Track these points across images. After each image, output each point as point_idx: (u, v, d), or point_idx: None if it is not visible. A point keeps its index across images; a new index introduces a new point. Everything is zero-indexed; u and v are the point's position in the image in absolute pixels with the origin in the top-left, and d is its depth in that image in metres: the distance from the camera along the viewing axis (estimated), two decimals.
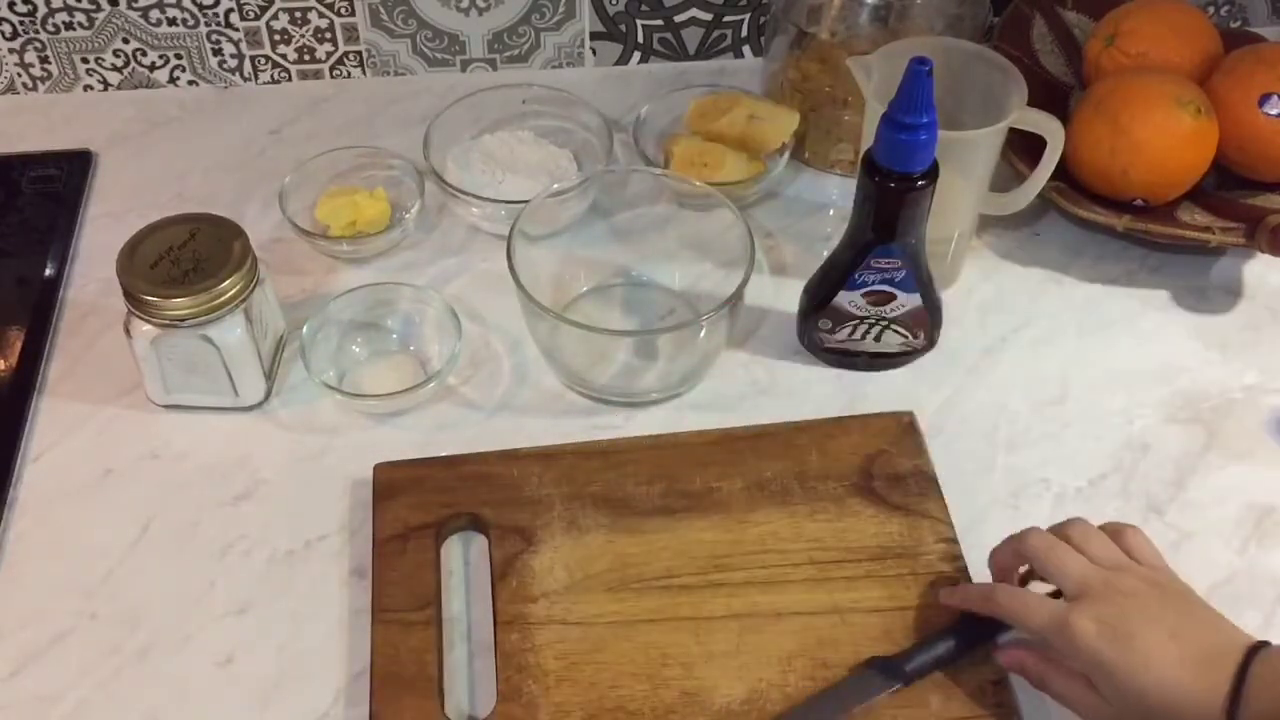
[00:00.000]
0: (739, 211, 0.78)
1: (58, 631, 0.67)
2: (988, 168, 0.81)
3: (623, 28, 1.02)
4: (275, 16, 0.97)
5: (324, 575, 0.70)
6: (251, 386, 0.77)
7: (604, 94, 0.99)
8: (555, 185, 0.84)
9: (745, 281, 0.75)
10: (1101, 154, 0.85)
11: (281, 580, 0.70)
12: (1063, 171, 0.86)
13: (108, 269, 0.73)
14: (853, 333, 0.80)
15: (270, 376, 0.79)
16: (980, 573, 0.68)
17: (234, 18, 0.97)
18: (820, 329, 0.81)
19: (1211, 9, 1.08)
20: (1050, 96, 0.91)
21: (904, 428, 0.75)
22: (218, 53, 0.99)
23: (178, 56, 0.99)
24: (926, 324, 0.80)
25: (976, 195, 0.83)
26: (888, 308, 0.78)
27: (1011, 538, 0.64)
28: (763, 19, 1.03)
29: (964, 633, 0.65)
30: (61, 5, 0.94)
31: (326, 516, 0.72)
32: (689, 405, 0.79)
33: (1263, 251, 0.82)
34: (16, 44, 0.96)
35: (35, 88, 1.00)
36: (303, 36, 0.99)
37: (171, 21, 0.96)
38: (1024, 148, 0.85)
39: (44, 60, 0.98)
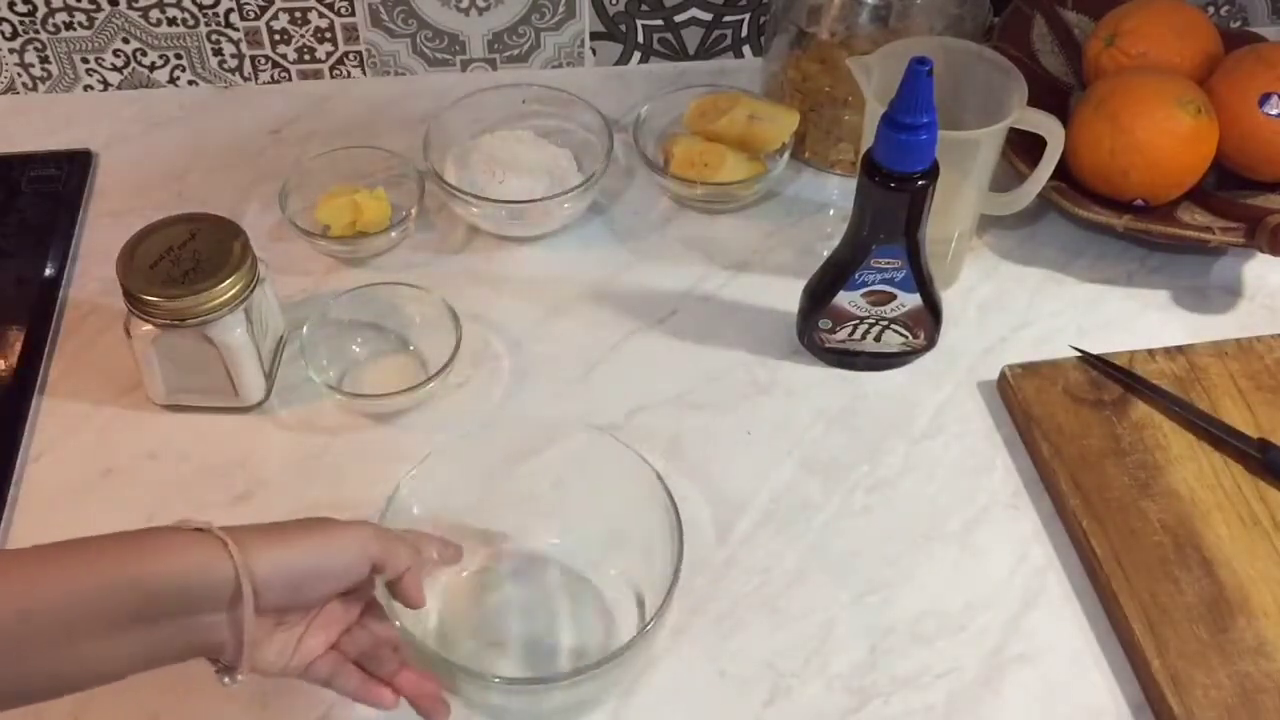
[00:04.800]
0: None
1: None
2: (988, 168, 0.81)
3: (623, 28, 1.02)
4: (275, 16, 0.97)
5: None
6: (251, 386, 0.77)
7: (604, 94, 0.99)
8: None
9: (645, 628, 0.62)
10: (1101, 154, 0.85)
11: None
12: (1063, 171, 0.86)
13: (108, 269, 0.73)
14: (853, 333, 0.80)
15: (270, 376, 0.79)
16: None
17: (234, 18, 0.97)
18: (820, 329, 0.81)
19: (1211, 9, 1.08)
20: (1050, 96, 0.91)
21: None
22: (218, 53, 0.99)
23: (178, 56, 0.99)
24: (926, 324, 0.80)
25: (976, 195, 0.83)
26: (888, 308, 0.78)
27: None
28: (763, 19, 1.03)
29: None
30: (61, 5, 0.94)
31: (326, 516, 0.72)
32: (689, 405, 0.79)
33: (1263, 251, 0.82)
34: (16, 44, 0.96)
35: (35, 88, 1.00)
36: (303, 36, 0.99)
37: (171, 21, 0.96)
38: (1024, 148, 0.85)
39: (44, 60, 0.98)
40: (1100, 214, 0.86)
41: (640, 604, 0.66)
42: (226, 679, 0.55)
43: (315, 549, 0.56)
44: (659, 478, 0.65)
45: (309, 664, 0.58)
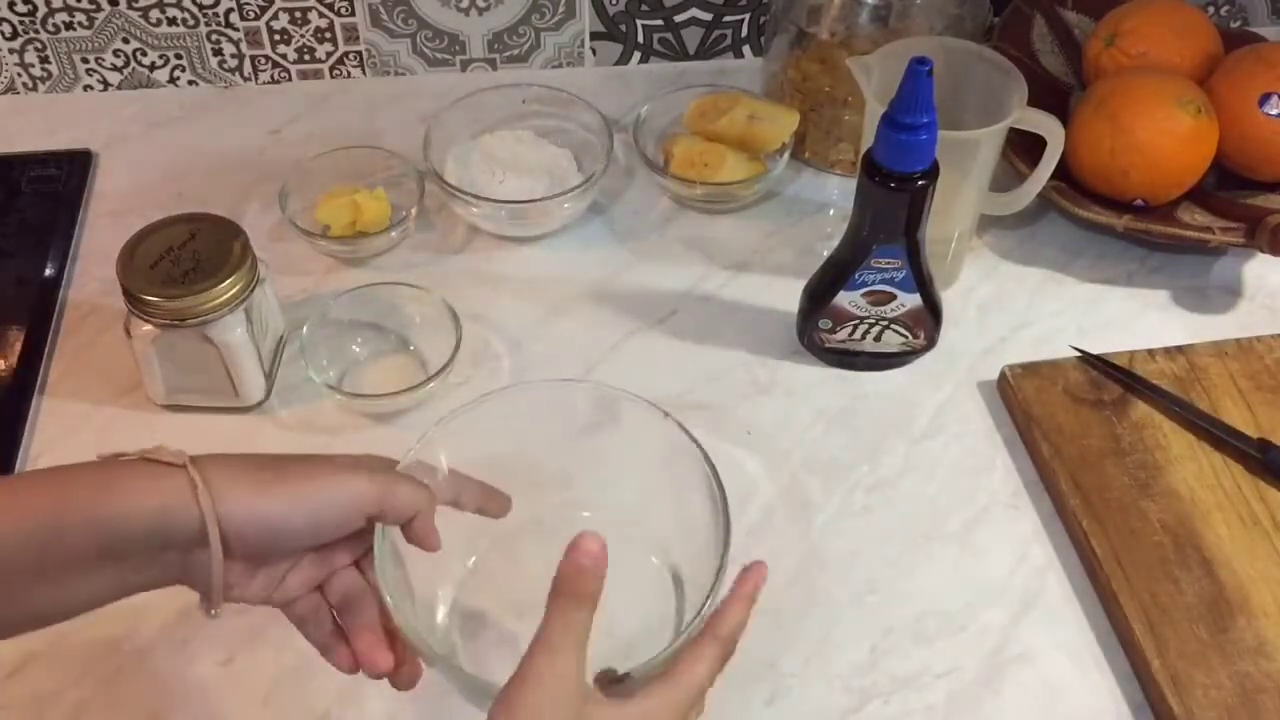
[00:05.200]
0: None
1: (58, 631, 0.66)
2: (988, 168, 0.81)
3: (623, 28, 1.02)
4: (275, 16, 0.97)
5: None
6: (251, 386, 0.77)
7: (604, 94, 0.99)
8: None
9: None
10: (1101, 154, 0.85)
11: None
12: (1063, 171, 0.86)
13: (108, 269, 0.73)
14: (853, 333, 0.80)
15: (270, 376, 0.79)
16: None
17: (234, 18, 0.97)
18: (820, 329, 0.81)
19: (1211, 9, 1.08)
20: (1050, 96, 0.91)
21: None
22: (218, 53, 0.99)
23: (178, 56, 0.99)
24: (926, 324, 0.80)
25: (976, 195, 0.83)
26: (888, 308, 0.78)
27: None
28: (763, 19, 1.03)
29: None
30: (61, 5, 0.94)
31: None
32: (689, 405, 0.79)
33: (1263, 251, 0.82)
34: (16, 44, 0.96)
35: (35, 88, 1.00)
36: (303, 36, 0.99)
37: (171, 21, 0.96)
38: (1024, 148, 0.85)
39: (44, 60, 0.98)
40: (1100, 214, 0.86)
41: (678, 582, 0.64)
42: (207, 609, 0.55)
43: (300, 500, 0.53)
44: (704, 455, 0.60)
45: (289, 601, 0.57)
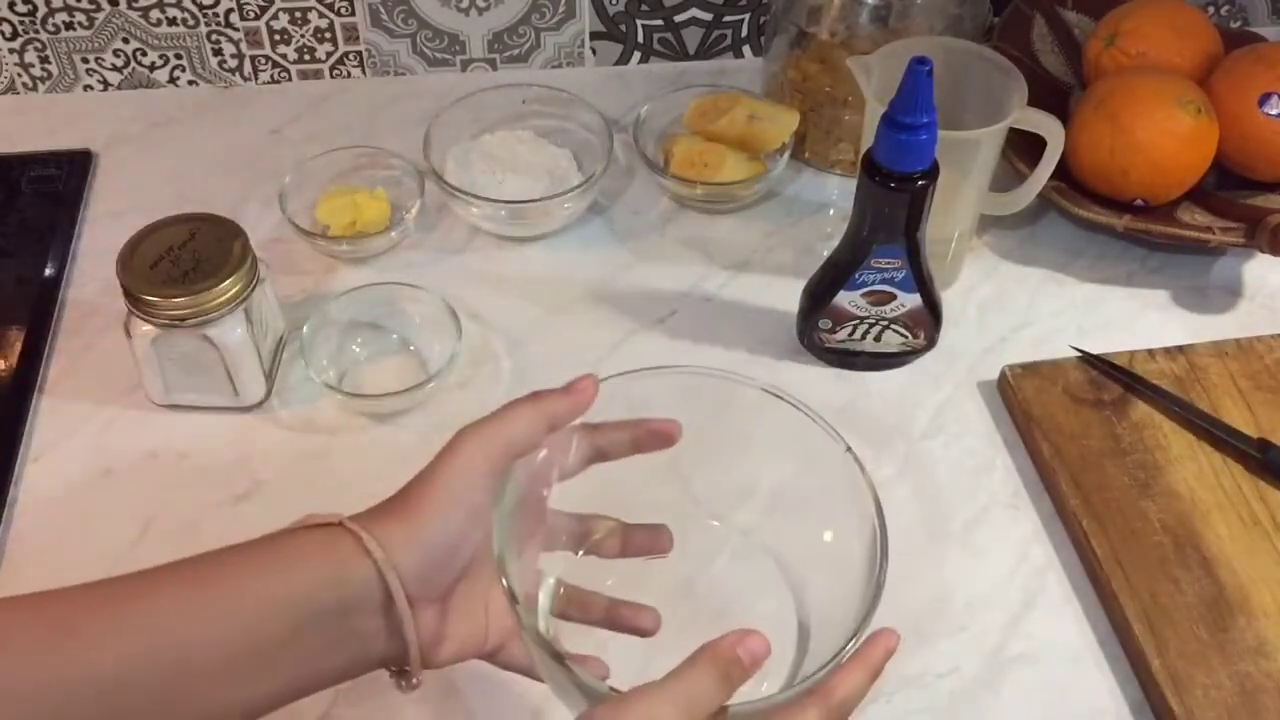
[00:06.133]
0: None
1: None
2: (988, 168, 0.81)
3: (623, 28, 1.02)
4: (275, 16, 0.97)
5: None
6: (251, 386, 0.77)
7: (604, 94, 0.99)
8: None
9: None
10: (1101, 154, 0.85)
11: None
12: (1063, 171, 0.86)
13: (108, 269, 0.73)
14: (853, 333, 0.80)
15: (270, 376, 0.79)
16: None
17: (234, 18, 0.97)
18: (820, 329, 0.81)
19: (1211, 9, 1.08)
20: (1050, 96, 0.91)
21: None
22: (218, 53, 0.99)
23: (178, 56, 0.99)
24: (926, 324, 0.80)
25: (976, 195, 0.83)
26: (888, 308, 0.78)
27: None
28: (763, 19, 1.03)
29: None
30: (61, 5, 0.94)
31: None
32: None
33: (1263, 251, 0.82)
34: (16, 44, 0.96)
35: (35, 88, 1.00)
36: (303, 36, 0.99)
37: (171, 21, 0.96)
38: (1024, 148, 0.85)
39: (44, 60, 0.98)
40: (1100, 214, 0.86)
41: (803, 630, 0.56)
42: (403, 684, 0.51)
43: (439, 502, 0.49)
44: (877, 504, 0.53)
45: (502, 643, 0.52)
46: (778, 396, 0.57)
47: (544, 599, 0.57)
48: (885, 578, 0.50)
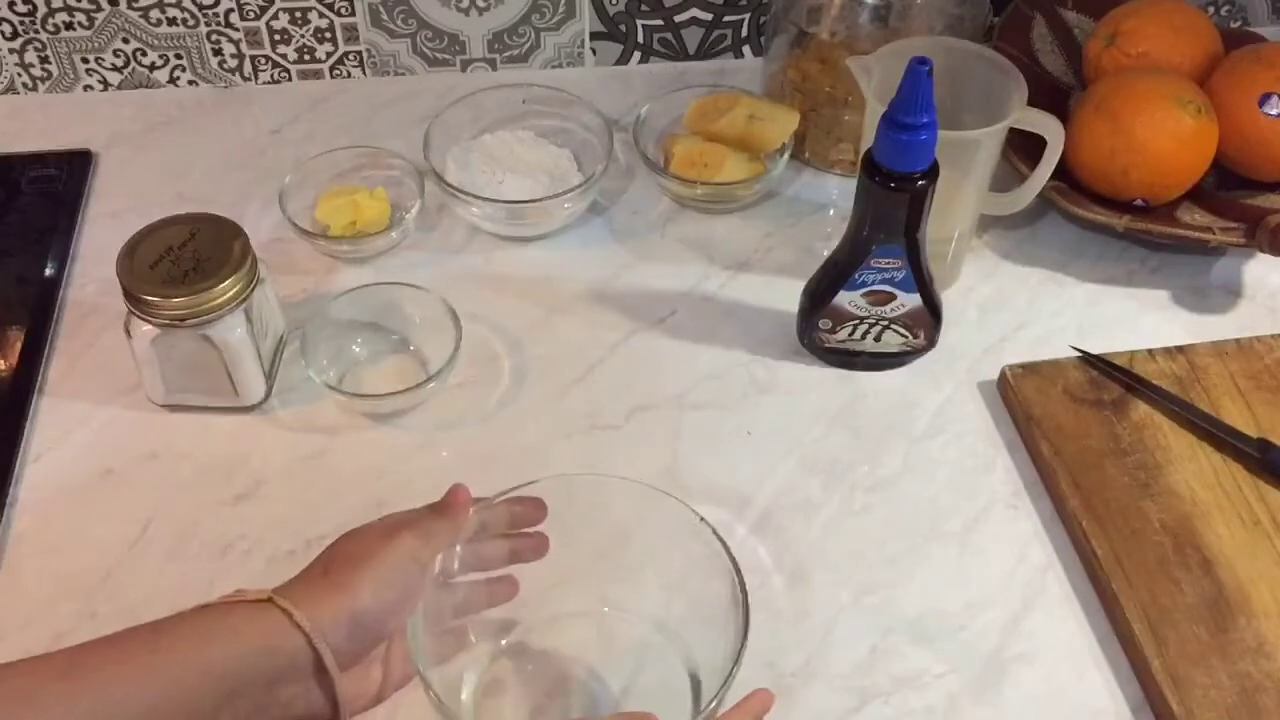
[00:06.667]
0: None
1: (58, 631, 0.67)
2: (988, 168, 0.81)
3: (623, 28, 1.02)
4: (275, 16, 0.97)
5: None
6: (251, 386, 0.77)
7: (604, 94, 0.99)
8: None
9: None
10: (1101, 154, 0.85)
11: (281, 580, 0.69)
12: (1063, 171, 0.86)
13: (108, 269, 0.73)
14: (853, 333, 0.80)
15: (270, 376, 0.79)
16: None
17: (234, 18, 0.97)
18: (820, 329, 0.81)
19: (1211, 9, 1.08)
20: (1050, 96, 0.91)
21: None
22: (218, 53, 0.99)
23: (178, 56, 0.99)
24: (926, 324, 0.80)
25: (976, 195, 0.83)
26: (888, 308, 0.78)
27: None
28: (763, 19, 1.03)
29: None
30: (61, 5, 0.94)
31: (327, 516, 0.72)
32: (689, 405, 0.79)
33: (1263, 251, 0.82)
34: (16, 44, 0.96)
35: (35, 88, 1.00)
36: (303, 36, 0.99)
37: (171, 21, 0.96)
38: (1024, 148, 0.85)
39: (44, 60, 0.98)
40: (1100, 214, 0.86)
41: (695, 683, 0.64)
42: None
43: (371, 582, 0.54)
44: (722, 543, 0.60)
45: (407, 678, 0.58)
46: (633, 482, 0.63)
47: (466, 695, 0.64)
48: (749, 620, 0.58)
